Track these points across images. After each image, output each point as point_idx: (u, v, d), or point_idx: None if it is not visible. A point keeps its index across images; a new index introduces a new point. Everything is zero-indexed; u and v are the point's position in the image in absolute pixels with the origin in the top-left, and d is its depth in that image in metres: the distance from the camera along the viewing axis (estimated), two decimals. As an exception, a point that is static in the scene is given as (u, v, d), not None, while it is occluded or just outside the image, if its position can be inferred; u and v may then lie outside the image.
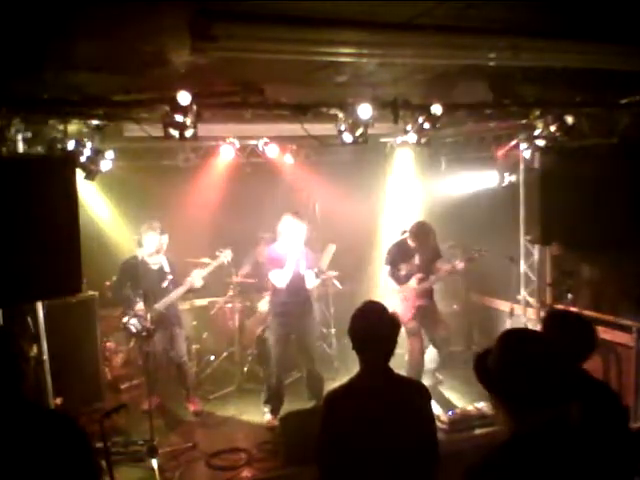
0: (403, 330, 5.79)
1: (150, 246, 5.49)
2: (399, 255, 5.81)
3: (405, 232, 5.83)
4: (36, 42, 3.07)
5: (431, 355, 6.05)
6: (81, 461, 1.92)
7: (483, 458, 1.66)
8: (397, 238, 6.12)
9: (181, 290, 5.54)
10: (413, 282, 5.73)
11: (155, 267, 5.58)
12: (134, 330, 5.37)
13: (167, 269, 5.58)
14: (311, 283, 5.39)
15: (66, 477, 1.89)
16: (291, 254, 5.20)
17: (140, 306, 5.28)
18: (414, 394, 2.56)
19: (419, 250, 5.68)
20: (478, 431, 4.88)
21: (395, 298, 5.77)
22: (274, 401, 5.34)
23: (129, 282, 5.47)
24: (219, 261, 5.75)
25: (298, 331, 5.37)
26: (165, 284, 5.51)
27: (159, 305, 5.44)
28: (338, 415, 2.47)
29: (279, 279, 5.24)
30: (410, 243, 5.71)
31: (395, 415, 2.43)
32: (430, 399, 2.59)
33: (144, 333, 5.11)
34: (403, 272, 5.79)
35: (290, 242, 5.24)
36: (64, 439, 1.91)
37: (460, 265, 5.66)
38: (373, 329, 2.48)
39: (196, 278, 5.54)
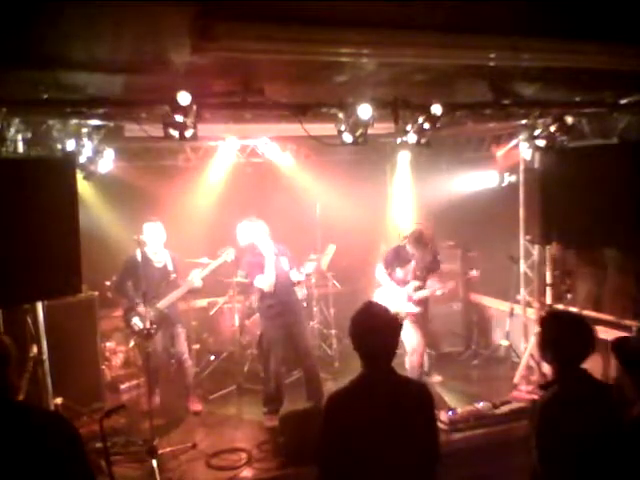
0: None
1: (153, 238, 5.45)
2: (396, 260, 5.71)
3: (405, 238, 5.70)
4: (36, 42, 3.07)
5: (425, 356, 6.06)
6: (70, 459, 1.91)
7: None
8: (395, 243, 6.02)
9: (182, 290, 5.53)
10: (410, 288, 5.62)
11: (159, 265, 5.56)
12: (136, 329, 5.38)
13: (170, 268, 5.57)
14: (296, 277, 5.40)
15: (57, 477, 1.88)
16: (267, 256, 5.21)
17: (142, 306, 5.28)
18: (416, 395, 2.55)
19: (417, 257, 5.55)
20: (478, 431, 4.88)
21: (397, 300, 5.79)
22: (273, 401, 5.33)
23: (131, 279, 5.44)
24: (221, 260, 5.74)
25: (293, 329, 5.37)
26: (167, 283, 5.51)
27: (161, 304, 5.44)
28: (340, 416, 2.46)
29: (264, 283, 5.23)
30: (409, 249, 5.56)
31: (397, 416, 2.42)
32: (432, 400, 2.59)
33: (146, 332, 5.11)
34: (400, 276, 5.70)
35: (260, 245, 5.27)
36: (52, 438, 1.89)
37: (450, 285, 5.75)
38: (375, 330, 2.46)
39: (195, 278, 5.53)
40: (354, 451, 2.39)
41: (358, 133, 4.33)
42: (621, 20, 3.19)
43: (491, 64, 3.56)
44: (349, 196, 7.10)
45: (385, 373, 2.50)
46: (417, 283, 5.63)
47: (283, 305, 5.31)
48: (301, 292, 5.51)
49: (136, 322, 5.36)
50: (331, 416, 2.50)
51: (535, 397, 4.99)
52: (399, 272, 5.69)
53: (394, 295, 5.58)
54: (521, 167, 6.20)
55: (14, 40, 2.96)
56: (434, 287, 5.73)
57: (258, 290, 5.40)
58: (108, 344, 6.50)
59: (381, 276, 5.72)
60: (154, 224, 5.48)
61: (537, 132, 5.07)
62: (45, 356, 4.47)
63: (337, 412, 2.49)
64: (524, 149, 5.55)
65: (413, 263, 5.61)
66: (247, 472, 4.51)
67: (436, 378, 6.22)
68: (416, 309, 5.60)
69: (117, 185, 6.44)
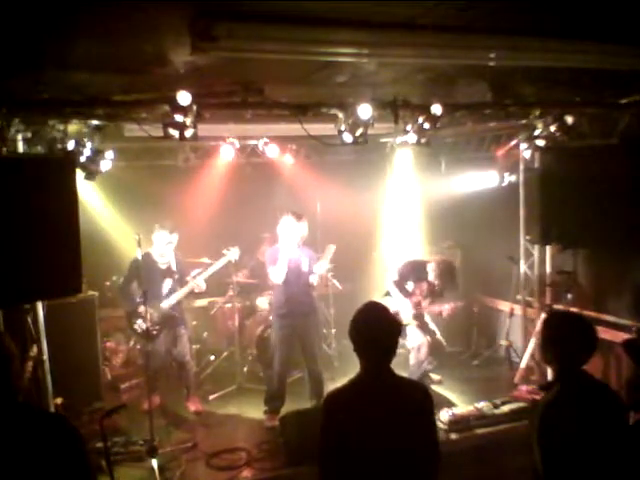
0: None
1: (160, 244, 5.50)
2: (412, 274, 5.85)
3: (431, 262, 5.86)
4: (36, 42, 3.07)
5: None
6: (73, 461, 1.91)
7: None
8: (416, 256, 6.23)
9: (185, 290, 5.55)
10: (410, 302, 5.82)
11: (163, 267, 5.60)
12: (139, 331, 5.39)
13: (174, 268, 5.59)
14: (313, 280, 5.42)
15: (58, 478, 1.88)
16: (283, 250, 5.24)
17: (143, 306, 5.28)
18: (415, 395, 2.55)
19: (434, 283, 5.74)
20: (478, 431, 4.87)
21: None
22: (275, 401, 5.34)
23: (135, 280, 5.47)
24: (226, 259, 5.75)
25: (302, 331, 5.37)
26: (171, 283, 5.52)
27: (164, 304, 5.45)
28: (338, 416, 2.46)
29: (275, 275, 5.26)
30: (429, 271, 5.73)
31: (396, 416, 2.42)
32: (432, 401, 2.58)
33: (148, 332, 5.11)
34: (409, 289, 5.85)
35: (282, 239, 5.31)
36: (55, 439, 1.90)
37: (446, 311, 5.78)
38: (374, 330, 2.45)
39: (199, 281, 5.55)
40: (353, 451, 2.39)
41: (358, 133, 4.33)
42: (621, 20, 3.19)
43: (491, 64, 3.56)
44: (349, 196, 7.10)
45: (384, 373, 2.49)
46: (419, 298, 5.78)
47: (293, 306, 5.29)
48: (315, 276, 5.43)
49: (139, 324, 5.37)
50: (330, 415, 2.50)
51: (535, 397, 5.01)
52: (410, 285, 5.83)
53: (401, 306, 5.68)
54: (521, 167, 6.21)
55: (15, 41, 2.97)
56: (436, 307, 5.85)
57: (274, 285, 5.44)
58: (108, 344, 6.50)
59: (391, 286, 5.84)
60: (170, 234, 5.54)
61: (537, 132, 5.08)
62: (45, 356, 4.47)
63: (336, 411, 2.49)
64: (524, 149, 5.55)
65: (425, 283, 5.76)
66: (247, 472, 4.51)
67: (436, 378, 6.22)
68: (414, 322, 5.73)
69: (117, 185, 6.45)
